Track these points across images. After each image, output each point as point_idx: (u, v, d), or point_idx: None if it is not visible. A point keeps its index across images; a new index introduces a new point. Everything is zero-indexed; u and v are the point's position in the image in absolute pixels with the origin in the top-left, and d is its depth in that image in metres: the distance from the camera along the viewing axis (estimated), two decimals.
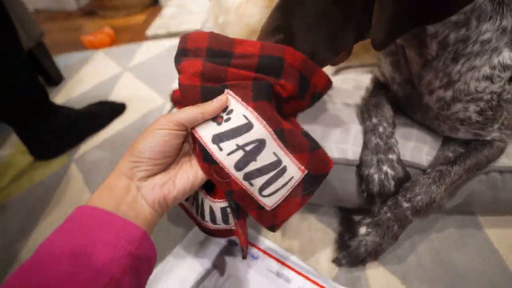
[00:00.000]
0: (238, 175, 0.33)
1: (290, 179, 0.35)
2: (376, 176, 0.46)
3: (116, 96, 1.02)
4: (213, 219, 0.37)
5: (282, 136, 0.34)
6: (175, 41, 1.30)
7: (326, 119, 0.54)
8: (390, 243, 0.47)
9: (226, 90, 0.34)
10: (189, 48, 0.38)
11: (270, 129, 0.34)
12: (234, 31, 0.65)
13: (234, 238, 0.53)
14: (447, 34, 0.37)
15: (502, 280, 0.47)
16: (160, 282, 0.47)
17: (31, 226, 0.65)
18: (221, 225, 0.37)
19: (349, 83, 0.66)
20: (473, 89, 0.40)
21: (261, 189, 0.34)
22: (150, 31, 1.42)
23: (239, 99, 0.34)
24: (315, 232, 0.55)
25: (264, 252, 0.50)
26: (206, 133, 0.33)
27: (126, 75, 1.13)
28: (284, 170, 0.35)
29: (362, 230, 0.48)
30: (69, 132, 0.81)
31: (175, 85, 0.83)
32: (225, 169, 0.33)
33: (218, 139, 0.33)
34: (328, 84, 0.41)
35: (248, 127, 0.33)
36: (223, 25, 0.69)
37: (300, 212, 0.59)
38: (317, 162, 0.37)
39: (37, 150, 0.80)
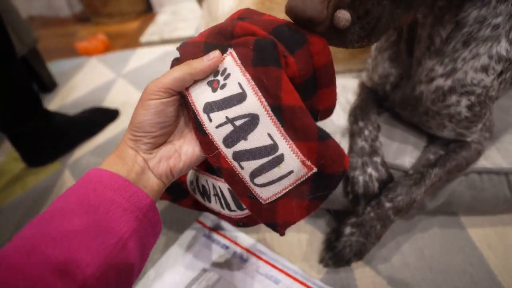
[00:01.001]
0: (227, 153, 0.29)
1: (289, 173, 0.28)
2: (361, 178, 0.48)
3: (109, 102, 1.03)
4: (239, 204, 0.34)
5: (280, 114, 0.27)
6: (169, 48, 1.32)
7: None
8: (373, 242, 0.48)
9: (230, 50, 0.28)
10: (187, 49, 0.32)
11: (266, 103, 0.27)
12: None
13: (224, 241, 0.54)
14: (469, 12, 0.35)
15: (483, 278, 0.48)
16: (152, 285, 0.48)
17: None
18: (237, 212, 0.34)
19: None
20: (469, 81, 0.40)
21: (253, 175, 0.29)
22: (144, 38, 1.43)
23: (239, 61, 0.28)
24: (303, 234, 0.57)
25: (254, 254, 0.51)
26: (199, 100, 0.29)
27: (119, 82, 1.14)
28: (280, 159, 0.28)
29: (347, 230, 0.49)
30: (62, 138, 0.82)
31: None
32: (215, 143, 0.29)
33: (210, 108, 0.28)
34: (330, 108, 0.33)
35: (240, 97, 0.27)
36: None
37: None
38: (329, 156, 0.28)
39: (29, 157, 0.80)
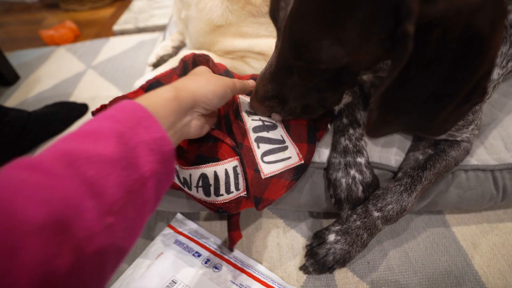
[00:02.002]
0: (252, 136, 0.43)
1: (288, 158, 0.43)
2: (343, 181, 0.44)
3: (78, 96, 0.95)
4: (228, 187, 0.41)
5: (288, 127, 0.46)
6: (144, 37, 1.23)
7: None
8: (358, 250, 0.45)
9: None
10: None
11: (281, 123, 0.46)
12: (197, 27, 0.61)
13: (197, 248, 0.50)
14: None
15: (467, 279, 0.47)
16: None
17: None
18: (234, 193, 0.42)
19: None
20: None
21: (264, 154, 0.42)
22: (117, 26, 1.33)
23: None
24: (283, 238, 0.53)
25: (229, 262, 0.47)
26: (243, 103, 0.46)
27: (89, 73, 1.05)
28: (285, 148, 0.44)
29: (331, 237, 0.46)
30: (21, 137, 0.74)
31: (140, 83, 0.78)
32: (245, 126, 0.43)
33: (249, 113, 0.45)
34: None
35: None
36: (186, 20, 0.64)
37: (269, 217, 0.56)
38: (310, 154, 0.45)
39: None
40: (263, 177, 0.41)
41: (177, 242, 0.51)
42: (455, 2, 0.22)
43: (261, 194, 0.42)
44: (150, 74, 0.74)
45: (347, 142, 0.45)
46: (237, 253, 0.50)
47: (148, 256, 0.49)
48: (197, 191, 0.42)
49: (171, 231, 0.53)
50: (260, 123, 0.44)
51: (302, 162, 0.44)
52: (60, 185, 0.20)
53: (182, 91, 0.32)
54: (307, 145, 0.45)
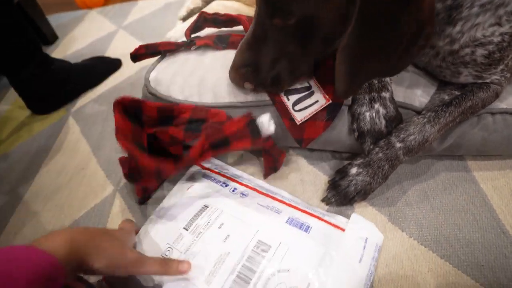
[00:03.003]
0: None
1: (316, 102, 0.48)
2: (367, 114, 0.46)
3: (111, 53, 1.00)
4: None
5: (315, 71, 0.49)
6: None
7: None
8: (379, 182, 0.48)
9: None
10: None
11: None
12: None
13: (224, 180, 0.54)
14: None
15: (484, 216, 0.49)
16: (154, 226, 0.47)
17: (32, 172, 0.67)
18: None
19: None
20: (481, 35, 0.40)
21: (294, 104, 0.48)
22: None
23: None
24: (306, 175, 0.57)
25: (254, 189, 0.51)
26: None
27: (120, 33, 1.10)
28: (312, 93, 0.48)
29: (353, 170, 0.49)
30: (65, 85, 0.81)
31: (171, 35, 0.81)
32: None
33: None
34: None
35: None
36: None
37: (292, 155, 0.60)
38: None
39: (34, 104, 0.80)
40: (298, 123, 0.49)
41: (205, 176, 0.55)
42: None
43: (300, 136, 0.50)
44: (181, 26, 0.77)
45: None
46: (262, 183, 0.54)
47: (179, 189, 0.54)
48: None
49: (198, 168, 0.58)
50: None
51: (330, 102, 0.48)
52: None
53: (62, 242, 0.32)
54: (334, 86, 0.46)
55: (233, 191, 0.51)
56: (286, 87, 0.49)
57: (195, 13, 0.78)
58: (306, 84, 0.49)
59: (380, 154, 0.46)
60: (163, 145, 0.53)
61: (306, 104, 0.48)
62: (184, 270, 0.38)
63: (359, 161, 0.49)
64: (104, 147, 0.70)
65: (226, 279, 0.38)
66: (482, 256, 0.45)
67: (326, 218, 0.46)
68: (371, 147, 0.48)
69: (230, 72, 0.49)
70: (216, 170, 0.56)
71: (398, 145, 0.45)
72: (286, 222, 0.44)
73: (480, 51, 0.42)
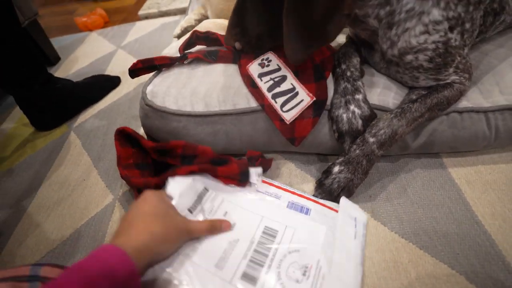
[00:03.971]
0: (269, 95, 0.54)
1: (301, 101, 0.53)
2: (344, 116, 0.51)
3: (111, 71, 1.06)
4: None
5: (297, 73, 0.55)
6: (166, 19, 1.33)
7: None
8: (360, 178, 0.52)
9: (270, 52, 0.60)
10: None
11: (290, 70, 0.56)
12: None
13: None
14: (378, 12, 0.47)
15: (459, 208, 0.52)
16: None
17: (36, 186, 0.70)
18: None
19: None
20: (415, 43, 0.47)
21: (282, 105, 0.53)
22: (142, 11, 1.44)
23: (276, 56, 0.59)
24: (294, 177, 0.60)
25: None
26: (254, 72, 0.57)
27: (119, 53, 1.17)
28: (296, 94, 0.53)
29: (336, 169, 0.53)
30: (67, 102, 0.86)
31: (167, 51, 0.87)
32: (262, 91, 0.55)
33: (261, 75, 0.57)
34: (324, 59, 0.59)
35: (277, 69, 0.57)
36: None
37: (281, 160, 0.64)
38: (320, 90, 0.53)
39: (37, 121, 0.85)
40: (287, 122, 0.53)
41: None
42: None
43: (292, 135, 0.53)
44: (176, 43, 0.83)
45: (346, 83, 0.52)
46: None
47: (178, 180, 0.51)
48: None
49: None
50: (271, 82, 0.55)
51: (314, 99, 0.53)
52: None
53: (142, 255, 0.34)
54: (315, 84, 0.53)
55: None
56: (268, 45, 0.58)
57: (188, 31, 0.85)
58: (290, 85, 0.54)
59: (358, 151, 0.50)
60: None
61: (293, 104, 0.53)
62: (227, 227, 0.44)
63: (340, 159, 0.53)
64: (104, 159, 0.74)
65: (239, 263, 0.40)
66: (457, 246, 0.48)
67: (321, 201, 0.50)
68: (350, 145, 0.52)
69: (225, 34, 0.58)
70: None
71: (371, 140, 0.49)
72: (287, 207, 0.48)
73: (422, 57, 0.48)
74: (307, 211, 0.48)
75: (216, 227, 0.43)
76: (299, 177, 0.61)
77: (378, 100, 0.54)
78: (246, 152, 0.56)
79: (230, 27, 0.56)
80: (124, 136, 0.58)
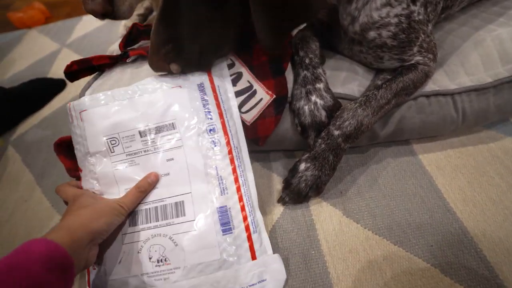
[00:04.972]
0: None
1: (260, 100, 0.48)
2: (306, 108, 0.46)
3: (54, 74, 0.94)
4: None
5: (252, 68, 0.49)
6: None
7: None
8: (328, 174, 0.48)
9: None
10: None
11: (245, 65, 0.49)
12: None
13: (212, 113, 0.46)
14: None
15: (431, 197, 0.50)
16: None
17: None
18: None
19: None
20: (377, 17, 0.43)
21: (240, 106, 0.48)
22: None
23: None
24: (260, 178, 0.56)
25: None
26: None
27: (64, 52, 1.04)
28: (254, 92, 0.48)
29: (302, 166, 0.48)
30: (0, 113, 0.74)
31: (113, 49, 0.77)
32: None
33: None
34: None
35: (231, 64, 0.50)
36: None
37: None
38: (279, 87, 0.49)
39: None
40: (248, 124, 0.48)
41: (201, 87, 0.46)
42: None
43: (255, 135, 0.49)
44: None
45: (305, 72, 0.47)
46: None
47: (164, 81, 0.45)
48: None
49: (206, 76, 0.47)
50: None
51: (274, 96, 0.48)
52: None
53: (78, 231, 0.34)
54: (273, 80, 0.48)
55: (209, 131, 0.44)
56: (214, 60, 0.47)
57: None
58: (247, 83, 0.48)
59: (323, 145, 0.46)
60: None
61: (252, 104, 0.48)
62: (156, 180, 0.43)
63: (306, 155, 0.49)
64: (50, 174, 0.65)
65: None
66: (431, 237, 0.46)
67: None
68: (315, 139, 0.47)
69: (149, 59, 0.41)
70: (218, 95, 0.47)
71: (336, 132, 0.45)
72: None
73: (385, 33, 0.44)
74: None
75: (145, 186, 0.42)
76: (265, 177, 0.56)
77: (342, 88, 0.50)
78: None
79: (157, 46, 0.40)
80: (67, 147, 0.50)
